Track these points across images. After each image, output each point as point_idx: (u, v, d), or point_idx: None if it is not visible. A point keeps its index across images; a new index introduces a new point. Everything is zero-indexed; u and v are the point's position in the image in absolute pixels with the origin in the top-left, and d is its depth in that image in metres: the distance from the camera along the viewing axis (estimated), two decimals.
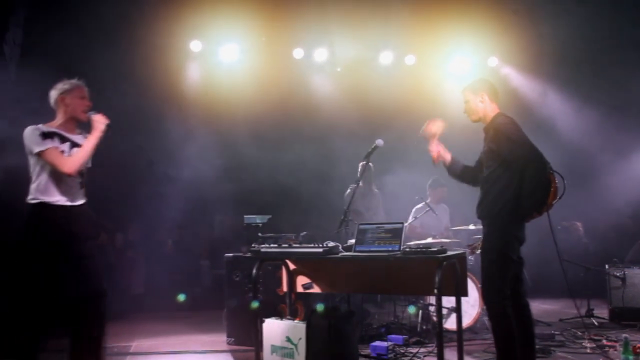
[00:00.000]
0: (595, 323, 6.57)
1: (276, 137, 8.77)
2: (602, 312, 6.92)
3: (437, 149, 4.52)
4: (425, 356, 5.22)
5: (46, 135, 4.08)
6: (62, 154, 4.09)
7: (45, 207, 4.07)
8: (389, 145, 5.31)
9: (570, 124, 9.14)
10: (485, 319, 6.25)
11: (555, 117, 9.40)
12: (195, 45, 8.63)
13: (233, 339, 6.01)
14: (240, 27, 8.33)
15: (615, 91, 8.67)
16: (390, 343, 5.45)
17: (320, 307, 4.64)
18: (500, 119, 4.12)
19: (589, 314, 6.76)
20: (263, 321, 4.79)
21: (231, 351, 5.80)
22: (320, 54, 9.14)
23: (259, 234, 6.24)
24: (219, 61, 8.84)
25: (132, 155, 8.10)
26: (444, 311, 5.57)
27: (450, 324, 5.74)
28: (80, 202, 4.26)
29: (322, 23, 8.46)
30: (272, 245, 4.84)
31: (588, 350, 5.30)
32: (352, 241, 4.54)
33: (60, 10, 7.38)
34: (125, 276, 8.78)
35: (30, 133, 4.07)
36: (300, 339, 4.55)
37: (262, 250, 4.74)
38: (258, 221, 6.98)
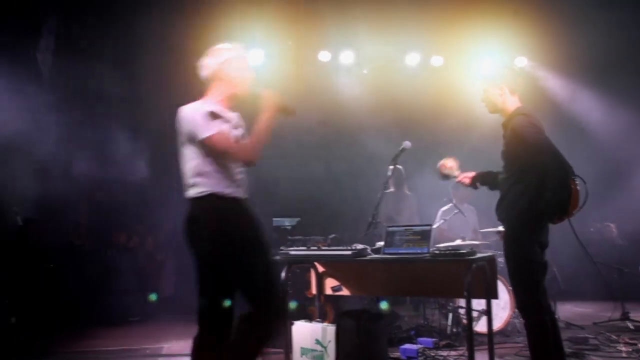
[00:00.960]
0: (631, 326, 6.43)
1: (303, 140, 8.79)
2: (637, 315, 6.77)
3: (465, 178, 4.43)
4: (455, 359, 5.19)
5: (214, 116, 3.41)
6: (233, 139, 3.46)
7: (221, 199, 3.44)
8: (417, 147, 5.29)
9: (602, 125, 8.98)
10: (517, 321, 6.18)
11: (587, 117, 9.25)
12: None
13: None
14: (266, 31, 8.38)
15: None
16: (420, 346, 5.42)
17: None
18: (518, 119, 3.89)
19: (624, 317, 6.62)
20: (292, 323, 4.81)
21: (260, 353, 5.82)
22: (347, 57, 9.14)
23: (288, 237, 6.27)
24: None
25: (162, 159, 8.20)
26: (474, 314, 5.51)
27: (480, 326, 5.68)
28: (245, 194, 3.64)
29: (347, 25, 8.47)
30: (300, 247, 4.86)
31: (623, 354, 5.19)
32: (381, 243, 4.53)
33: (88, 20, 7.53)
34: (155, 278, 8.90)
35: (196, 113, 3.40)
36: (330, 341, 4.56)
37: (291, 252, 4.76)
38: (287, 224, 7.02)
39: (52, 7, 7.01)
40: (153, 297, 7.92)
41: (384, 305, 6.18)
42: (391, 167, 5.33)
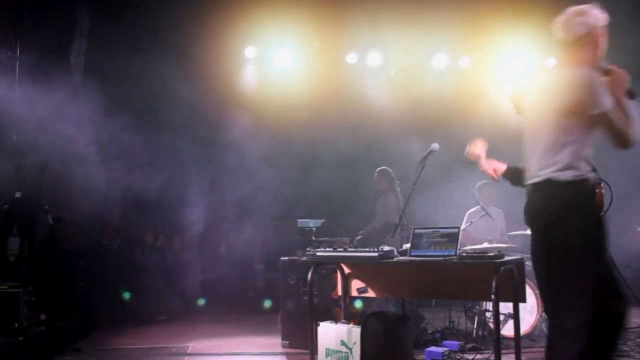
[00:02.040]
0: None
1: (330, 142, 8.81)
2: None
3: (491, 166, 4.37)
4: None
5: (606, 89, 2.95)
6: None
7: (592, 187, 3.06)
8: (445, 149, 5.26)
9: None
10: (544, 326, 6.11)
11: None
12: (250, 52, 8.79)
13: (288, 342, 6.07)
14: (294, 33, 8.43)
15: None
16: (445, 349, 5.39)
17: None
18: None
19: None
20: (318, 324, 4.83)
21: (286, 354, 5.85)
22: (374, 58, 9.13)
23: (313, 238, 6.29)
24: (273, 67, 8.95)
25: (189, 162, 8.31)
26: (501, 317, 5.46)
27: (506, 330, 5.63)
28: None
29: (375, 27, 8.46)
30: (327, 249, 4.87)
31: None
32: (407, 245, 4.52)
33: (121, 19, 7.64)
34: (182, 278, 8.99)
35: (592, 82, 2.97)
36: (355, 342, 4.56)
37: (318, 254, 4.77)
38: (311, 225, 7.03)
39: (84, 9, 7.14)
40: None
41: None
42: (418, 168, 5.32)
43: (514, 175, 4.30)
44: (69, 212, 7.88)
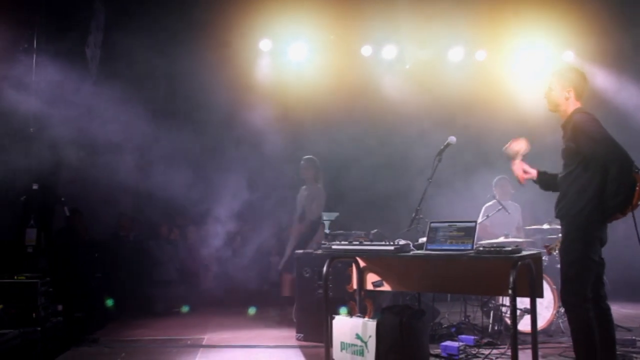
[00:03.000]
0: None
1: (346, 135, 8.79)
2: None
3: (521, 168, 4.36)
4: (497, 358, 5.12)
5: None
6: None
7: None
8: (461, 142, 5.23)
9: None
10: (560, 321, 6.07)
11: (633, 112, 9.00)
12: (265, 44, 8.77)
13: (302, 335, 6.07)
14: (309, 25, 8.40)
15: None
16: (461, 343, 5.37)
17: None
18: (579, 116, 3.92)
19: None
20: (333, 318, 4.82)
21: (300, 347, 5.86)
22: (389, 51, 9.08)
23: (328, 231, 6.28)
24: (288, 59, 8.93)
25: (205, 154, 8.32)
26: (517, 312, 5.42)
27: (522, 325, 5.59)
28: None
29: (390, 20, 8.41)
30: (342, 242, 4.86)
31: None
32: (424, 239, 4.50)
33: (136, 13, 7.66)
34: (195, 271, 9.02)
35: None
36: (370, 336, 4.55)
37: (334, 247, 4.76)
38: (325, 218, 7.02)
39: (100, 1, 7.16)
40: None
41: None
42: (435, 161, 5.30)
43: (545, 181, 4.30)
44: (85, 204, 7.93)
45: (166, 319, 7.60)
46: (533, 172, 4.36)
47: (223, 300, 8.58)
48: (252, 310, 8.05)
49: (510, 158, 4.37)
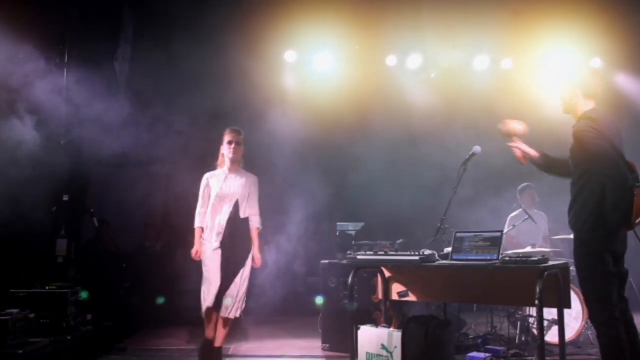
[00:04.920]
0: None
1: (372, 144, 8.80)
2: None
3: (519, 147, 4.31)
4: None
5: None
6: None
7: None
8: (487, 151, 5.21)
9: None
10: (589, 332, 5.97)
11: None
12: (289, 55, 8.84)
13: (328, 345, 6.08)
14: (334, 36, 8.43)
15: None
16: (487, 354, 5.31)
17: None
18: (580, 124, 3.82)
19: None
20: (358, 328, 4.83)
21: (326, 357, 5.87)
22: (414, 60, 9.08)
23: (352, 241, 6.28)
24: (313, 70, 8.98)
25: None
26: (545, 323, 5.37)
27: (550, 336, 5.52)
28: None
29: (415, 29, 8.41)
30: (367, 252, 4.87)
31: None
32: (449, 249, 4.49)
33: (162, 26, 7.79)
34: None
35: None
36: (395, 346, 4.55)
37: (359, 257, 4.78)
38: (350, 228, 7.03)
39: (129, 15, 7.31)
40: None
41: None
42: (460, 171, 5.29)
43: (547, 164, 4.23)
44: (113, 215, 8.06)
45: (193, 328, 7.66)
46: (533, 152, 4.29)
47: (248, 310, 8.61)
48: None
49: (507, 136, 4.33)
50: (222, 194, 5.32)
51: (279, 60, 8.84)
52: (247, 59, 8.11)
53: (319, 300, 6.34)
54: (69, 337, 5.42)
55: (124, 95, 7.02)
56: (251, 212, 5.43)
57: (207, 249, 5.26)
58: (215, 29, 7.72)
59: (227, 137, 5.41)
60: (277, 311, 8.53)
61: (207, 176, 5.45)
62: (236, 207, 5.32)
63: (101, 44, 6.78)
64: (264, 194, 8.54)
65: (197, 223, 5.34)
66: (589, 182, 3.76)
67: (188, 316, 7.99)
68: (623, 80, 9.13)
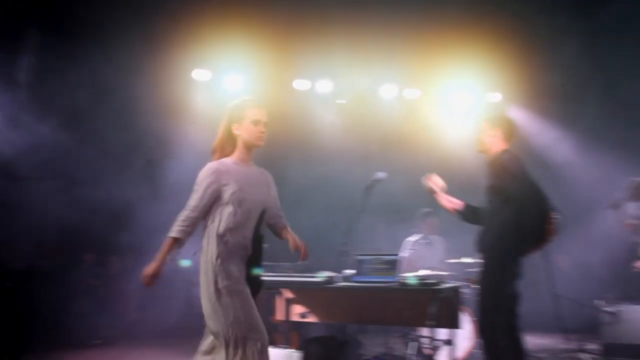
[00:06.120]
0: (589, 358, 6.58)
1: (277, 165, 8.83)
2: (594, 347, 6.92)
3: (447, 201, 4.55)
4: None
5: None
6: None
7: None
8: (391, 178, 5.40)
9: (573, 165, 9.29)
10: (478, 352, 6.25)
11: (555, 153, 9.56)
12: (199, 74, 8.76)
13: None
14: (245, 57, 8.44)
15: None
16: None
17: None
18: (505, 156, 4.18)
19: (581, 349, 6.76)
20: None
21: None
22: (324, 86, 9.24)
23: None
24: (224, 90, 8.93)
25: (131, 181, 8.13)
26: (438, 343, 5.57)
27: (442, 356, 5.74)
28: None
29: (326, 55, 8.57)
30: (269, 273, 4.88)
31: None
32: (349, 271, 4.59)
33: (67, 36, 7.53)
34: (118, 302, 8.75)
35: None
36: None
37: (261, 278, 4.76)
38: None
39: (33, 27, 7.02)
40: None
41: None
42: (365, 196, 5.42)
43: (467, 214, 4.51)
44: (2, 232, 7.60)
45: (84, 351, 7.32)
46: (458, 203, 4.56)
47: (145, 333, 8.35)
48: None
49: (433, 193, 4.56)
50: (249, 198, 3.55)
51: (187, 78, 8.74)
52: (156, 75, 7.98)
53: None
54: None
55: (25, 107, 6.70)
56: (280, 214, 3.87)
57: (223, 280, 3.40)
58: (124, 44, 7.55)
59: (252, 114, 3.71)
60: (176, 333, 8.32)
61: (216, 167, 3.57)
62: (260, 220, 3.61)
63: (3, 54, 6.44)
64: (170, 214, 8.38)
65: (174, 232, 3.43)
66: (507, 206, 4.05)
67: (80, 339, 7.65)
68: (520, 116, 9.71)
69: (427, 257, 7.07)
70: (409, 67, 8.98)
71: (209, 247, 3.43)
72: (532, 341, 7.57)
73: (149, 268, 3.43)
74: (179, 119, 8.48)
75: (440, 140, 9.32)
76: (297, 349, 4.88)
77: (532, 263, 4.31)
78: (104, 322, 8.18)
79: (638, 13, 8.06)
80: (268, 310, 5.72)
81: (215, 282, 3.37)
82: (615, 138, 9.03)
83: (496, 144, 4.28)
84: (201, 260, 3.47)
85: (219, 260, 3.38)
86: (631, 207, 7.65)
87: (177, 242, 3.43)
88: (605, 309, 6.74)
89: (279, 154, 8.75)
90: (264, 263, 5.08)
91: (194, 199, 3.49)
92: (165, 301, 8.60)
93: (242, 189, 3.50)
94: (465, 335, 6.07)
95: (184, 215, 3.46)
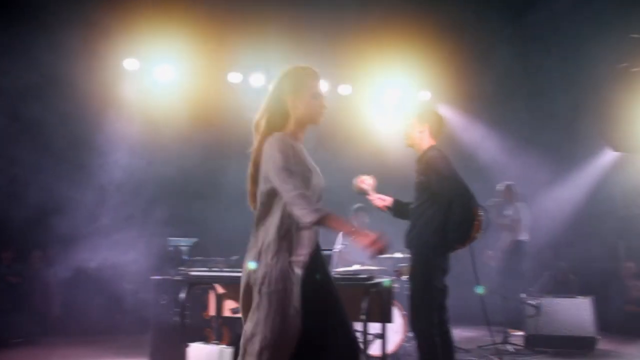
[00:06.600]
0: (512, 349, 6.84)
1: (208, 159, 8.76)
2: (517, 339, 7.20)
3: (379, 200, 4.58)
4: None
5: None
6: None
7: None
8: (324, 173, 5.40)
9: (499, 164, 9.61)
10: (408, 345, 6.38)
11: (481, 151, 9.87)
12: (130, 64, 8.48)
13: None
14: (176, 48, 8.27)
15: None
16: None
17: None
18: (432, 153, 4.27)
19: (505, 341, 7.02)
20: (188, 345, 4.73)
21: None
22: (257, 79, 9.16)
23: (184, 257, 6.15)
24: (154, 81, 8.70)
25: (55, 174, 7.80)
26: (369, 337, 5.64)
27: (373, 349, 5.82)
28: None
29: (259, 48, 8.51)
30: (201, 268, 4.81)
31: None
32: None
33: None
34: (41, 298, 8.40)
35: None
36: None
37: (192, 273, 4.69)
38: (182, 244, 6.85)
39: None
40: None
41: None
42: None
43: (397, 210, 4.57)
44: None
45: (6, 350, 6.99)
46: (388, 200, 4.61)
47: (69, 330, 8.06)
48: None
49: (364, 193, 4.60)
50: (322, 183, 3.06)
51: (118, 67, 8.46)
52: (86, 63, 7.69)
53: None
54: None
55: None
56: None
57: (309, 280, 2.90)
58: (54, 30, 7.24)
59: (313, 86, 3.08)
60: (103, 330, 8.09)
61: (291, 142, 2.98)
62: None
63: None
64: (95, 207, 8.11)
65: (321, 211, 2.76)
66: (435, 203, 4.15)
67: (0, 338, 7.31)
68: (448, 115, 9.95)
69: (359, 252, 7.15)
70: (343, 63, 9.03)
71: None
72: (460, 334, 7.83)
73: (369, 237, 2.80)
74: (107, 106, 8.20)
75: (371, 136, 9.46)
76: (228, 344, 4.83)
77: (459, 257, 4.41)
78: (26, 319, 7.84)
79: (565, 27, 8.43)
80: (200, 305, 5.65)
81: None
82: (539, 141, 9.44)
83: (424, 140, 4.37)
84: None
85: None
86: (504, 208, 8.25)
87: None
88: (529, 302, 7.03)
89: (212, 147, 8.65)
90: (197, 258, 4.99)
91: (292, 176, 2.81)
92: (89, 297, 8.34)
93: (318, 173, 2.99)
94: (396, 329, 6.19)
95: (302, 194, 2.76)
